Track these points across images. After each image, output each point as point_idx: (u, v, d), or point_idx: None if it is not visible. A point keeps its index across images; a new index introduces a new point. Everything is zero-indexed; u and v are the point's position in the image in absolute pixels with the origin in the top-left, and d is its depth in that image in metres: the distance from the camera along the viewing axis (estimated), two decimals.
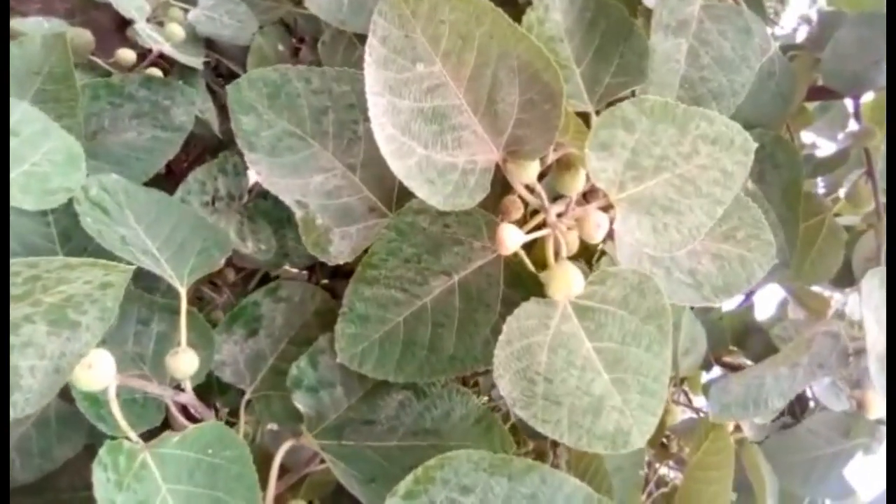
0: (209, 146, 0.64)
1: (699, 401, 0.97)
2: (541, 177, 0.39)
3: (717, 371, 0.97)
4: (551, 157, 0.39)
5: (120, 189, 0.43)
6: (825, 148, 0.91)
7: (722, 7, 0.48)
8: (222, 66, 0.62)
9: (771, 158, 0.53)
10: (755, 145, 0.34)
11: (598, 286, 0.36)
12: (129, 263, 0.39)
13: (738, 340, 0.97)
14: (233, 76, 0.63)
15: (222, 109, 0.65)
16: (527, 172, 0.36)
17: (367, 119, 0.34)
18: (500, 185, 0.39)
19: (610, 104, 0.45)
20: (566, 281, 0.34)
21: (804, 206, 0.55)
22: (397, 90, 0.34)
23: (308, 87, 0.41)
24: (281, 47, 0.65)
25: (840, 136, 0.85)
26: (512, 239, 0.34)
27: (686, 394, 0.96)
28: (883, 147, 0.54)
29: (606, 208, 0.35)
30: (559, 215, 0.37)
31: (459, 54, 0.34)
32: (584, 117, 0.44)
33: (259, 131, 0.40)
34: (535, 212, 0.40)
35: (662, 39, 0.47)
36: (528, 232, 0.36)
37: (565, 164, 0.38)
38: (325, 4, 0.54)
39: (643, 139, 0.33)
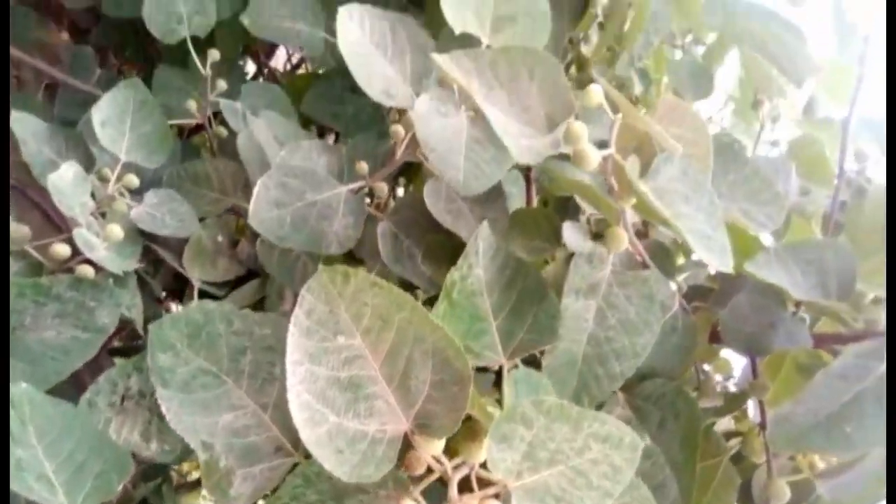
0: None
1: None
2: None
3: None
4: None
5: (26, 400, 0.42)
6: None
7: (629, 275, 0.52)
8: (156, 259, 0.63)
9: (672, 407, 0.57)
10: (642, 443, 0.36)
11: None
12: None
13: None
14: (167, 266, 0.64)
15: (150, 298, 0.66)
16: (434, 446, 0.37)
17: (284, 362, 0.36)
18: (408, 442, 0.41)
19: (522, 360, 0.49)
20: None
21: (702, 449, 0.58)
22: (317, 358, 0.36)
23: (229, 329, 0.42)
24: (220, 238, 0.67)
25: (744, 363, 0.90)
26: None
27: None
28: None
29: (501, 494, 0.36)
30: (461, 486, 0.38)
31: (379, 332, 0.36)
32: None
33: (175, 368, 0.41)
34: None
35: (574, 301, 0.51)
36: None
37: (470, 434, 0.40)
38: (267, 221, 0.57)
39: (540, 434, 0.35)
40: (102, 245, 0.54)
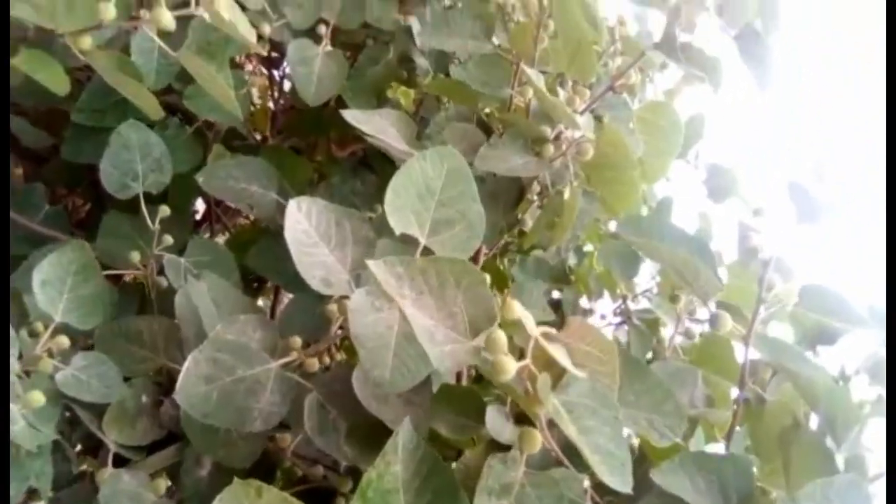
0: None
1: None
2: None
3: None
4: None
5: None
6: None
7: (541, 475, 0.54)
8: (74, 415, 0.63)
9: None
10: None
11: None
12: None
13: None
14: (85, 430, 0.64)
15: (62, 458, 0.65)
16: None
17: None
18: None
19: None
20: None
21: None
22: None
23: None
24: (144, 398, 0.67)
25: None
26: None
27: None
28: None
29: None
30: None
31: None
32: None
33: None
34: None
35: (486, 502, 0.52)
36: None
37: None
38: (194, 397, 0.58)
39: None
40: (20, 412, 0.53)
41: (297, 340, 0.65)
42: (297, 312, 0.77)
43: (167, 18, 0.62)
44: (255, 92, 1.25)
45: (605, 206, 0.82)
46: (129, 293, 0.86)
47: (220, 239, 1.24)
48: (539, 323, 0.55)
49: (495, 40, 0.92)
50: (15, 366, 0.57)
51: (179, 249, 0.81)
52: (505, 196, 0.82)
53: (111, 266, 0.78)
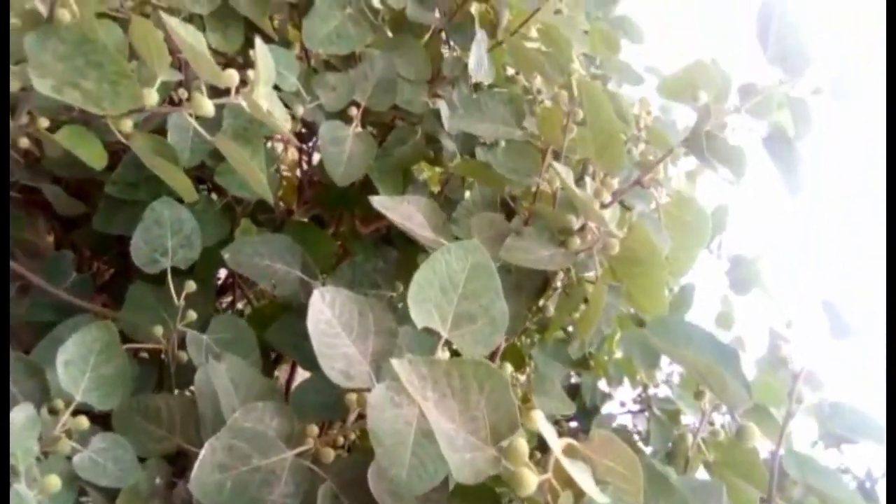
0: None
1: None
2: None
3: None
4: None
5: None
6: None
7: None
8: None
9: None
10: None
11: None
12: None
13: None
14: None
15: None
16: None
17: None
18: None
19: None
20: None
21: None
22: None
23: None
24: (158, 480, 0.67)
25: None
26: None
27: None
28: None
29: None
30: None
31: None
32: None
33: None
34: None
35: None
36: None
37: None
38: (208, 486, 0.57)
39: None
40: (36, 498, 0.53)
41: (314, 429, 0.65)
42: (313, 392, 0.76)
43: (207, 107, 0.64)
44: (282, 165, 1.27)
45: (632, 301, 0.81)
46: (147, 365, 0.87)
47: (241, 304, 1.24)
48: (558, 420, 0.55)
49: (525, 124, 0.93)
50: (34, 448, 0.57)
51: (202, 324, 0.81)
52: (529, 286, 0.82)
53: (133, 338, 0.79)
